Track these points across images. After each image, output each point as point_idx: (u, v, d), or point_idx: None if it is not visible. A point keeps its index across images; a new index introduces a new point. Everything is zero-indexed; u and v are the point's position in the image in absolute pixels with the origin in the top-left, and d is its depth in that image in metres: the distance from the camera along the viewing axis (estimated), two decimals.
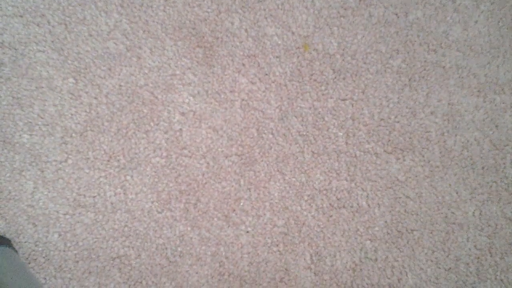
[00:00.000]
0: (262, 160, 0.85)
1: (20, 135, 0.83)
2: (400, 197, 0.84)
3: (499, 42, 0.84)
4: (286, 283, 0.84)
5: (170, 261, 0.84)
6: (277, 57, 0.85)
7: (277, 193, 0.85)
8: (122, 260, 0.84)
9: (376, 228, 0.84)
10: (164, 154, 0.84)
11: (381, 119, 0.84)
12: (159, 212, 0.84)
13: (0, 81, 0.83)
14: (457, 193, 0.84)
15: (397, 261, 0.84)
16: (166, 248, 0.84)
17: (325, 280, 0.84)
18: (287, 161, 0.85)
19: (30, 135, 0.83)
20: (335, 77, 0.85)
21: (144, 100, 0.84)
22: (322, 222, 0.85)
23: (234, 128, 0.85)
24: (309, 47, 0.85)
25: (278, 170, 0.85)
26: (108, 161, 0.84)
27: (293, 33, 0.84)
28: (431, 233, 0.84)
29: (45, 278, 0.83)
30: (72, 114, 0.83)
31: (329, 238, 0.85)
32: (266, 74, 0.85)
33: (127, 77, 0.84)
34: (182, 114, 0.84)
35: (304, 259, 0.84)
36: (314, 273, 0.84)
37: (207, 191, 0.84)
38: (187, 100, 0.84)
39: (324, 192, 0.85)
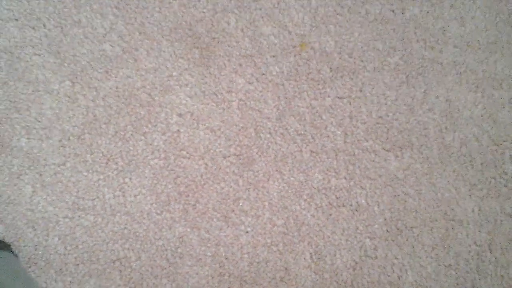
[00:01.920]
0: (260, 160, 0.85)
1: (18, 139, 0.83)
2: (399, 195, 0.84)
3: (496, 37, 0.83)
4: (287, 283, 0.84)
5: (170, 263, 0.84)
6: (273, 56, 0.84)
7: (276, 192, 0.85)
8: (122, 263, 0.84)
9: (376, 226, 0.84)
10: (163, 155, 0.84)
11: (379, 117, 0.84)
12: (158, 214, 0.84)
13: None
14: (456, 189, 0.84)
15: (397, 258, 0.84)
16: (166, 250, 0.84)
17: (326, 279, 0.84)
18: (286, 161, 0.85)
19: (28, 138, 0.83)
20: (332, 76, 0.84)
21: (142, 102, 0.84)
22: (321, 221, 0.85)
23: (231, 129, 0.85)
24: (306, 46, 0.84)
25: (276, 170, 0.85)
26: (107, 163, 0.84)
27: (289, 32, 0.84)
28: (430, 230, 0.84)
29: (45, 282, 0.83)
30: (69, 117, 0.83)
31: (328, 237, 0.85)
32: (263, 74, 0.84)
33: (124, 79, 0.84)
34: (180, 115, 0.84)
35: (304, 258, 0.84)
36: (314, 272, 0.84)
37: (206, 192, 0.84)
38: (184, 101, 0.84)
39: (323, 191, 0.85)
